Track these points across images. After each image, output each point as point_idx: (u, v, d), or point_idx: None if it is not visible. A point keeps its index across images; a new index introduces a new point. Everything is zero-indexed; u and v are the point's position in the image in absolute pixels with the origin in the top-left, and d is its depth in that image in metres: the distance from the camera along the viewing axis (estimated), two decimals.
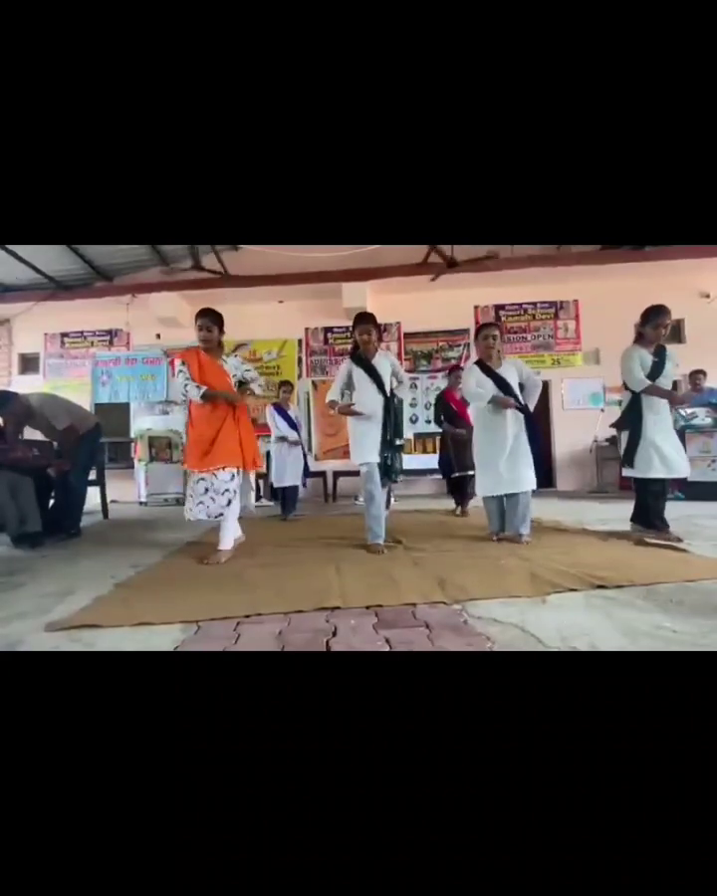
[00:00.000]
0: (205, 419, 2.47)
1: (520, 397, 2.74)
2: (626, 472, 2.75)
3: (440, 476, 4.65)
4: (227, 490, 2.42)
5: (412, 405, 7.02)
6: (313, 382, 7.28)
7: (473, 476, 4.22)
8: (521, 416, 2.73)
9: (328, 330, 7.28)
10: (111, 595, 1.84)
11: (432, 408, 4.72)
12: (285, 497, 4.23)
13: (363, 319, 2.64)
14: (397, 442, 2.60)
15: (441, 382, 5.01)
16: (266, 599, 1.67)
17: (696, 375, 5.16)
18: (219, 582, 1.99)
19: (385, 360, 2.67)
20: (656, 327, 2.65)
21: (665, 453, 2.61)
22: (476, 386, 2.74)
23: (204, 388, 2.41)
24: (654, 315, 2.66)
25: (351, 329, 2.69)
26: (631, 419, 2.70)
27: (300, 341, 7.34)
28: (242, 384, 2.61)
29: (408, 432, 7.02)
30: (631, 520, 2.81)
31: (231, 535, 2.49)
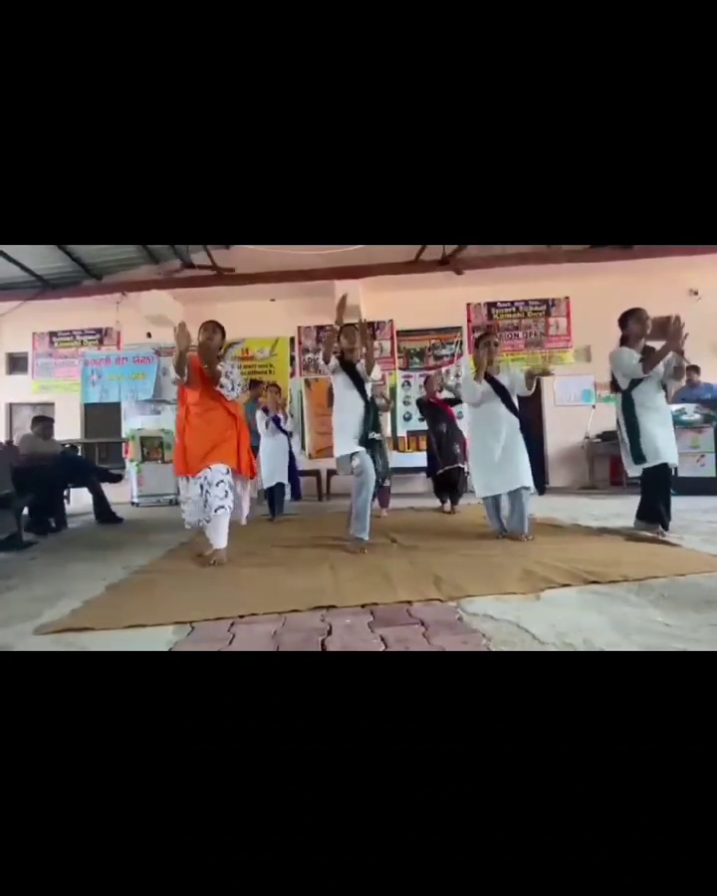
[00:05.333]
0: (205, 423, 2.45)
1: (515, 404, 2.84)
2: (634, 469, 2.75)
3: (427, 475, 4.69)
4: (222, 481, 2.39)
5: (405, 403, 7.03)
6: (306, 380, 7.26)
7: (459, 469, 4.26)
8: (515, 419, 2.82)
9: (320, 328, 7.26)
10: (102, 597, 1.82)
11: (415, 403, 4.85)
12: (272, 496, 4.22)
13: (348, 327, 2.88)
14: (375, 436, 2.74)
15: None
16: (260, 599, 1.66)
17: (689, 371, 5.17)
18: (212, 583, 1.98)
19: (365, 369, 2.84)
20: (638, 322, 2.74)
21: (664, 441, 2.64)
22: (475, 389, 2.88)
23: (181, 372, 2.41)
24: (629, 316, 2.79)
25: (336, 335, 2.88)
26: (627, 416, 2.73)
27: (292, 340, 7.32)
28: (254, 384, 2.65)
29: (401, 430, 7.04)
30: (637, 516, 2.80)
31: (225, 531, 2.45)
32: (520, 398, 2.88)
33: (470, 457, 3.00)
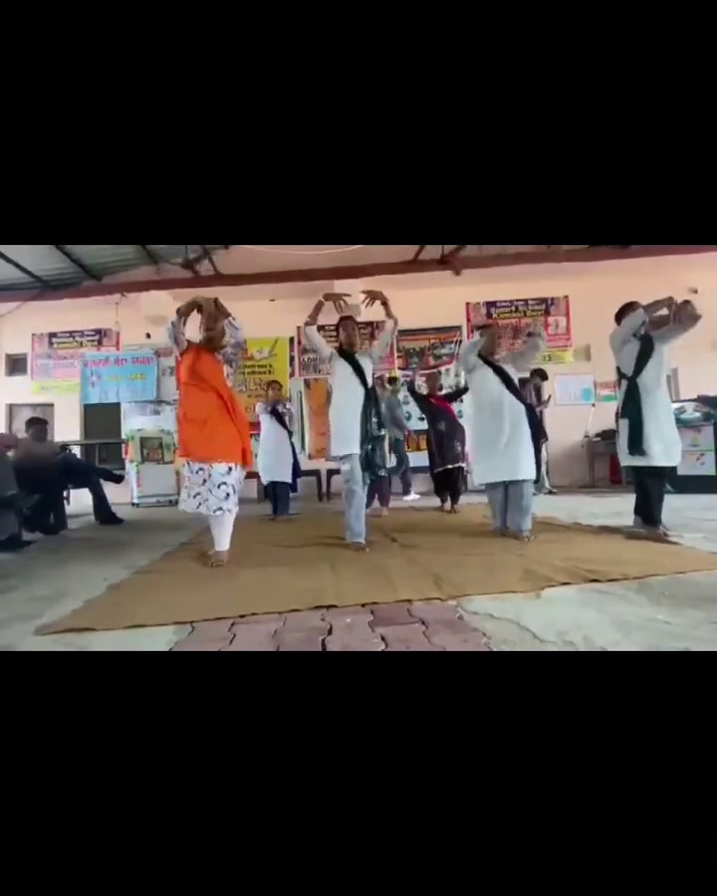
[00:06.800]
0: (199, 405, 2.41)
1: (519, 390, 2.82)
2: (626, 461, 2.71)
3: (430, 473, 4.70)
4: (224, 483, 2.37)
5: (406, 403, 7.03)
6: (305, 381, 7.26)
7: (459, 468, 4.26)
8: (520, 406, 2.77)
9: (320, 327, 7.24)
10: (103, 597, 1.82)
11: (411, 396, 4.87)
12: (275, 495, 4.20)
13: (346, 319, 2.84)
14: (379, 433, 2.66)
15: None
16: (260, 599, 1.66)
17: None
18: (213, 583, 1.98)
19: (367, 358, 2.79)
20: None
21: (664, 439, 2.57)
22: (470, 354, 2.87)
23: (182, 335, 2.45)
24: (626, 310, 2.78)
25: (335, 330, 2.90)
26: (629, 407, 2.67)
27: (292, 340, 7.31)
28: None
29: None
30: (635, 513, 2.78)
31: (228, 533, 2.44)
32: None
33: (472, 443, 2.97)
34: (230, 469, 2.41)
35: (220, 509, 2.36)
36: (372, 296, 2.74)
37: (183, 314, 2.43)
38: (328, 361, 2.81)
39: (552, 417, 6.94)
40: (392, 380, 5.64)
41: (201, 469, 2.38)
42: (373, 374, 2.79)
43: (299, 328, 7.23)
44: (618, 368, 2.80)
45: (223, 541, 2.42)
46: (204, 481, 2.37)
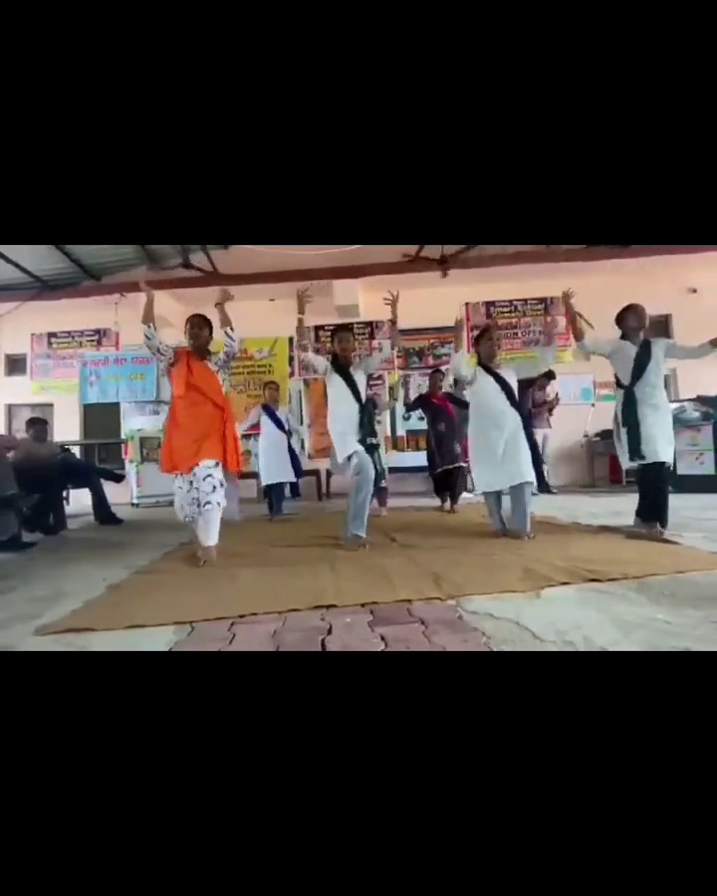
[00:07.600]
0: (196, 421, 2.40)
1: (517, 397, 2.84)
2: (629, 464, 2.74)
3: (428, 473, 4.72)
4: (210, 476, 2.33)
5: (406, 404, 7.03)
6: (304, 381, 7.26)
7: (460, 468, 4.26)
8: (518, 413, 2.80)
9: (319, 328, 7.25)
10: (102, 597, 1.82)
11: (412, 402, 4.95)
12: (271, 496, 4.20)
13: (342, 329, 2.88)
14: (372, 441, 2.75)
15: None
16: (260, 599, 1.66)
17: None
18: (212, 583, 1.98)
19: (361, 372, 2.84)
20: (636, 317, 2.79)
21: (661, 438, 2.62)
22: (466, 366, 2.88)
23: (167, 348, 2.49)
24: (627, 312, 2.84)
25: (330, 338, 2.93)
26: (627, 412, 2.70)
27: (291, 340, 7.31)
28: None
29: (400, 430, 7.04)
30: (636, 514, 2.79)
31: (215, 530, 2.40)
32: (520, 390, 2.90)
33: (471, 452, 2.99)
34: (216, 463, 2.38)
35: (208, 502, 2.32)
36: (394, 300, 2.84)
37: (148, 318, 2.46)
38: (324, 375, 2.85)
39: (552, 417, 6.95)
40: (391, 389, 5.74)
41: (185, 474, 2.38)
42: (367, 385, 2.86)
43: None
44: (616, 376, 2.82)
45: (210, 537, 2.38)
46: (191, 483, 2.36)
